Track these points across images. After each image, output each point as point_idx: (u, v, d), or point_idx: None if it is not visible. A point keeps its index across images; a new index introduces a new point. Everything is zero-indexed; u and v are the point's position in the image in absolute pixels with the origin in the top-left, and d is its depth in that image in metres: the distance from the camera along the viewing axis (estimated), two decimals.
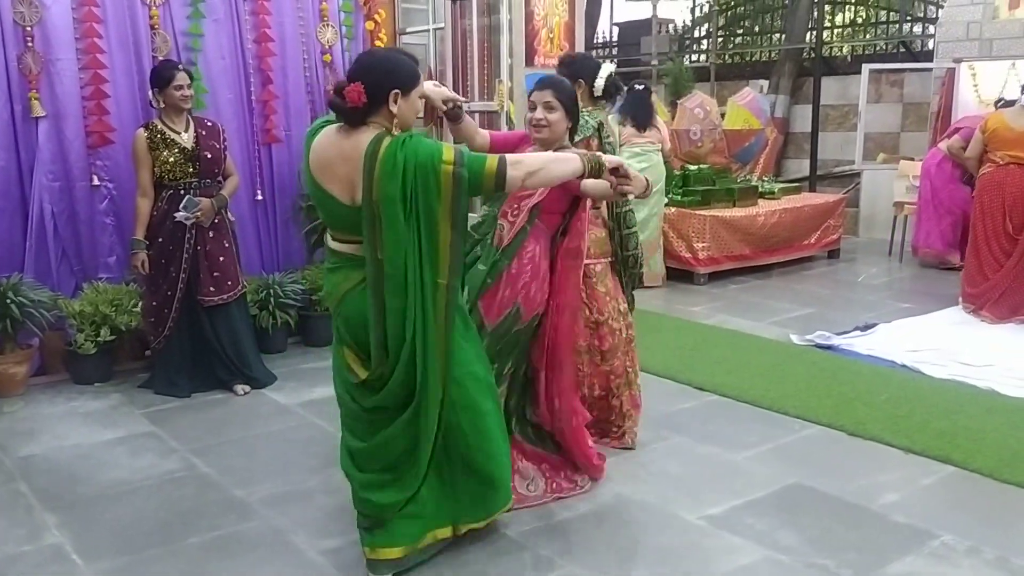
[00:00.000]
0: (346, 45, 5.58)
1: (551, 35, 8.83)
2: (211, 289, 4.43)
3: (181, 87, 4.31)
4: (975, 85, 8.10)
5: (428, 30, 9.60)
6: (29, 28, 4.44)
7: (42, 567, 2.82)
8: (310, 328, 5.29)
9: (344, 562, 2.83)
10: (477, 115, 7.79)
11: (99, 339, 4.50)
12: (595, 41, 13.89)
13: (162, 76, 4.32)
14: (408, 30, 9.79)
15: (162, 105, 4.36)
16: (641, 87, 7.06)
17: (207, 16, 4.94)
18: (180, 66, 4.40)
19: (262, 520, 3.12)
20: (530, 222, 3.11)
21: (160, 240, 4.36)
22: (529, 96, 3.25)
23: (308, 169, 2.58)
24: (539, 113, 3.15)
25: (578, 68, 3.79)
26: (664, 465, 3.61)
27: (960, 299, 6.10)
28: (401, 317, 2.48)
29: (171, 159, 4.31)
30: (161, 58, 4.83)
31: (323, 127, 2.61)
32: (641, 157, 6.63)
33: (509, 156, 2.52)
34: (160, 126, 4.35)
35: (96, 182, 4.70)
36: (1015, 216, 5.74)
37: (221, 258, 4.47)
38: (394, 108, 2.49)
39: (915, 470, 3.57)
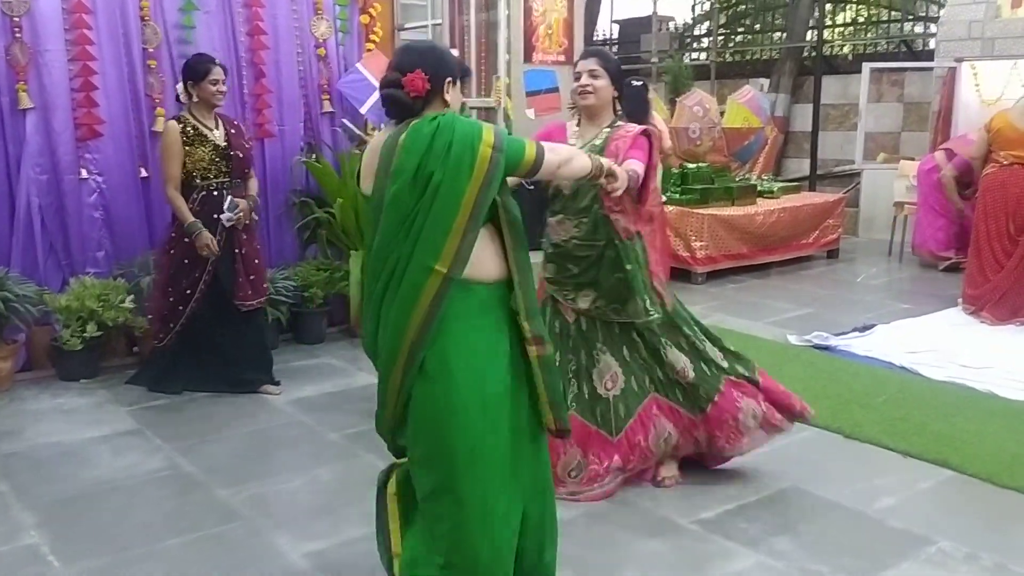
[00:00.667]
0: (340, 39, 5.51)
1: (550, 31, 8.81)
2: (249, 292, 4.30)
3: (217, 82, 4.16)
4: (976, 85, 8.03)
5: (427, 26, 9.55)
6: (17, 18, 4.37)
7: (17, 569, 2.75)
8: (302, 325, 5.22)
9: (327, 564, 2.77)
10: (475, 112, 7.75)
11: (85, 335, 4.43)
12: (595, 38, 13.80)
13: (197, 70, 4.16)
14: (407, 26, 9.73)
15: (195, 99, 4.19)
16: (639, 83, 6.98)
17: (199, 8, 4.88)
18: (216, 60, 4.24)
19: (245, 521, 3.06)
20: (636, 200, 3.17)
21: (187, 241, 4.18)
22: (574, 67, 3.30)
23: (359, 177, 2.38)
24: (584, 79, 3.18)
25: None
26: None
27: (960, 300, 6.04)
28: (378, 304, 2.21)
29: (205, 156, 4.15)
30: (151, 50, 4.78)
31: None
32: None
33: (545, 143, 2.40)
34: (192, 121, 4.19)
35: (85, 175, 4.64)
36: (1018, 217, 5.68)
37: (256, 261, 4.38)
38: (448, 97, 2.31)
39: (912, 474, 3.50)
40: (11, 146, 4.48)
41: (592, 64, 3.19)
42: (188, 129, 4.15)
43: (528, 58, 8.11)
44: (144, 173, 4.82)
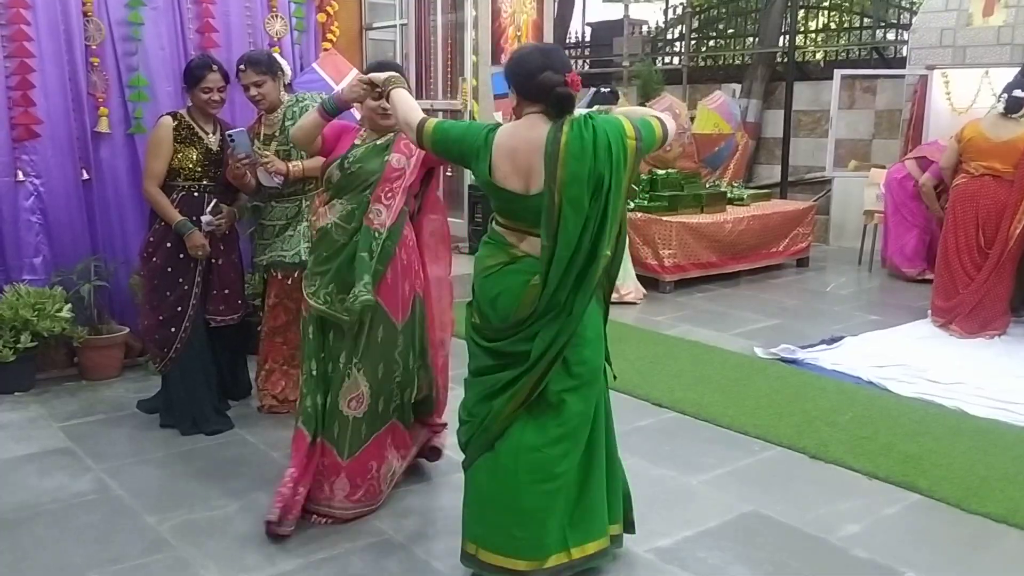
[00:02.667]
0: (296, 38, 5.31)
1: (518, 33, 8.63)
2: (221, 307, 3.98)
3: (210, 90, 3.87)
4: (948, 93, 7.98)
5: (394, 25, 9.37)
6: None
7: None
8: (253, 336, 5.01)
9: None
10: (441, 114, 7.58)
11: (19, 346, 4.21)
12: (567, 41, 13.69)
13: (192, 74, 3.87)
14: (375, 25, 9.56)
15: (189, 104, 3.96)
16: (607, 90, 6.85)
17: (146, 4, 4.66)
18: (215, 66, 3.92)
19: (170, 552, 2.86)
20: (407, 203, 3.13)
21: (169, 245, 3.84)
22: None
23: (488, 164, 2.49)
24: None
25: None
26: None
27: (929, 312, 5.94)
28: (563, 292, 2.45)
29: (194, 156, 3.86)
30: (95, 47, 4.57)
31: (495, 129, 2.52)
32: None
33: (659, 113, 2.63)
34: (188, 120, 3.92)
35: (21, 177, 4.42)
36: (988, 229, 5.57)
37: (232, 274, 4.05)
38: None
39: (878, 498, 3.37)
40: None
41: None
42: (183, 128, 3.88)
43: (496, 60, 7.91)
44: (86, 176, 4.60)
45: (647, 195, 7.30)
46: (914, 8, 10.26)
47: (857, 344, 5.38)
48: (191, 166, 3.87)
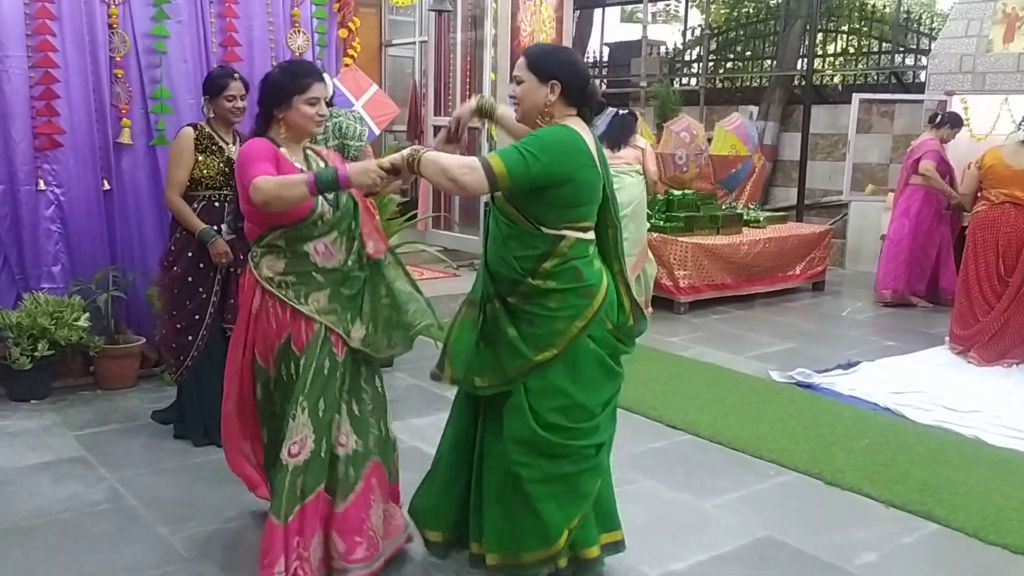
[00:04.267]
0: (318, 53, 5.35)
1: None
2: (230, 316, 3.87)
3: (234, 98, 3.88)
4: (967, 119, 7.94)
5: (414, 43, 9.43)
6: None
7: None
8: None
9: None
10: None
11: (36, 354, 4.23)
12: (585, 61, 13.74)
13: (215, 83, 3.87)
14: (394, 41, 9.63)
15: (211, 115, 3.92)
16: (625, 112, 6.85)
17: (171, 17, 4.71)
18: (236, 74, 3.93)
19: (182, 564, 2.85)
20: None
21: (190, 255, 3.83)
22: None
23: (592, 164, 2.54)
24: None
25: None
26: (628, 512, 3.31)
27: (947, 339, 5.90)
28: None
29: (215, 166, 3.86)
30: (119, 59, 4.61)
31: (574, 131, 2.51)
32: (614, 178, 6.36)
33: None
34: (208, 130, 3.91)
35: (42, 186, 4.44)
36: (1008, 257, 5.54)
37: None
38: None
39: (895, 526, 3.34)
40: None
41: None
42: (203, 138, 3.88)
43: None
44: (106, 186, 4.63)
45: (663, 215, 7.29)
46: (933, 34, 10.25)
47: (874, 370, 5.34)
48: (212, 176, 3.88)
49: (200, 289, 3.87)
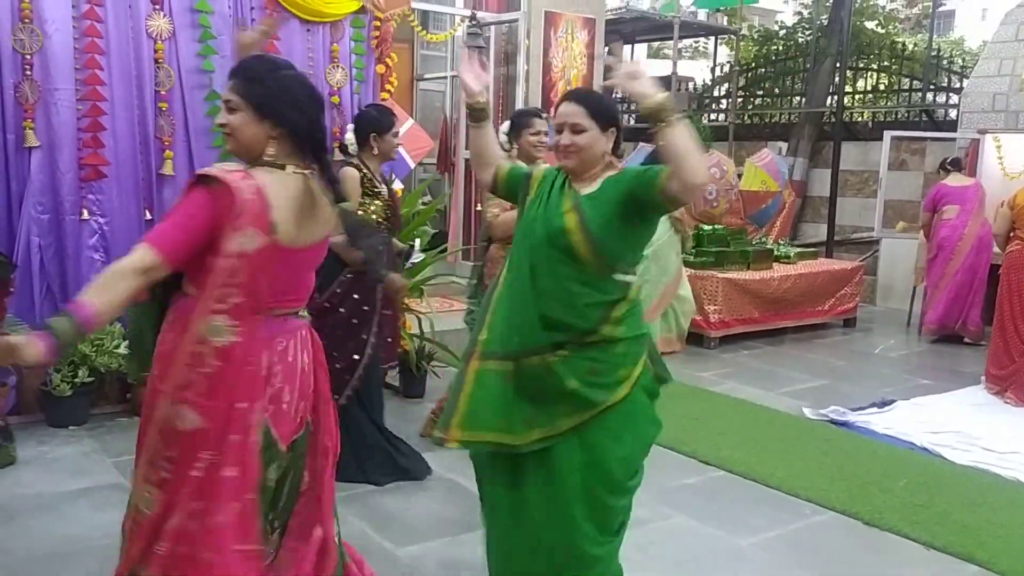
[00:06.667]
0: (356, 87, 5.44)
1: (568, 87, 8.77)
2: (383, 355, 3.99)
3: (397, 133, 3.95)
4: (1000, 157, 7.91)
5: (445, 77, 9.56)
6: (29, 56, 4.31)
7: None
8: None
9: None
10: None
11: (76, 380, 4.30)
12: (614, 96, 13.83)
13: (382, 122, 3.87)
14: (426, 76, 9.76)
15: (375, 152, 3.86)
16: (651, 147, 6.90)
17: (218, 52, 4.82)
18: (542, 113, 4.03)
19: None
20: None
21: (356, 296, 3.80)
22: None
23: None
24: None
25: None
26: (663, 548, 3.34)
27: (983, 379, 5.83)
28: None
29: (377, 208, 3.83)
30: (164, 93, 4.71)
31: None
32: None
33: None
34: (366, 171, 3.84)
35: (86, 216, 4.53)
36: None
37: (396, 321, 4.14)
38: None
39: (936, 568, 3.29)
40: (14, 184, 4.38)
41: None
42: (364, 179, 3.81)
43: (547, 112, 8.06)
44: (149, 216, 4.72)
45: (693, 251, 7.29)
46: (964, 72, 10.24)
47: (910, 408, 5.28)
48: (375, 218, 3.83)
49: (362, 331, 3.83)
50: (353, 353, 3.82)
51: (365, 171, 3.84)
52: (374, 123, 3.88)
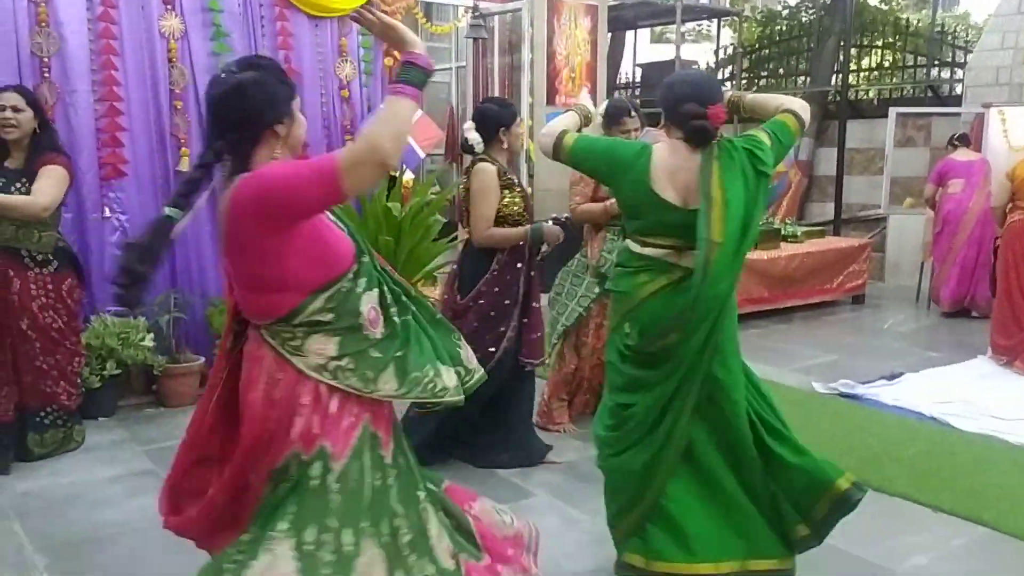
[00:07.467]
0: (364, 81, 5.55)
1: (572, 75, 8.84)
2: (525, 351, 3.93)
3: (520, 124, 3.95)
4: (1005, 131, 7.93)
5: (451, 68, 9.64)
6: (46, 59, 4.44)
7: None
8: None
9: None
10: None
11: (104, 372, 4.43)
12: (618, 82, 13.89)
13: (504, 115, 3.83)
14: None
15: (504, 146, 3.85)
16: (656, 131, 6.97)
17: (231, 50, 4.93)
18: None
19: None
20: None
21: (497, 290, 3.80)
22: None
23: (644, 180, 2.64)
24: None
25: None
26: None
27: (990, 350, 5.90)
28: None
29: (517, 201, 3.82)
30: (178, 91, 4.82)
31: (643, 150, 2.68)
32: None
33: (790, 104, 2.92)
34: (500, 165, 3.84)
35: (107, 214, 4.66)
36: None
37: (540, 315, 4.05)
38: None
39: (944, 530, 3.39)
40: None
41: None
42: (500, 173, 3.81)
43: (551, 101, 8.14)
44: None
45: None
46: (968, 47, 10.26)
47: (918, 380, 5.36)
48: (517, 211, 3.82)
49: (502, 325, 3.82)
50: (490, 346, 3.77)
51: (498, 166, 3.82)
52: (501, 118, 3.82)
